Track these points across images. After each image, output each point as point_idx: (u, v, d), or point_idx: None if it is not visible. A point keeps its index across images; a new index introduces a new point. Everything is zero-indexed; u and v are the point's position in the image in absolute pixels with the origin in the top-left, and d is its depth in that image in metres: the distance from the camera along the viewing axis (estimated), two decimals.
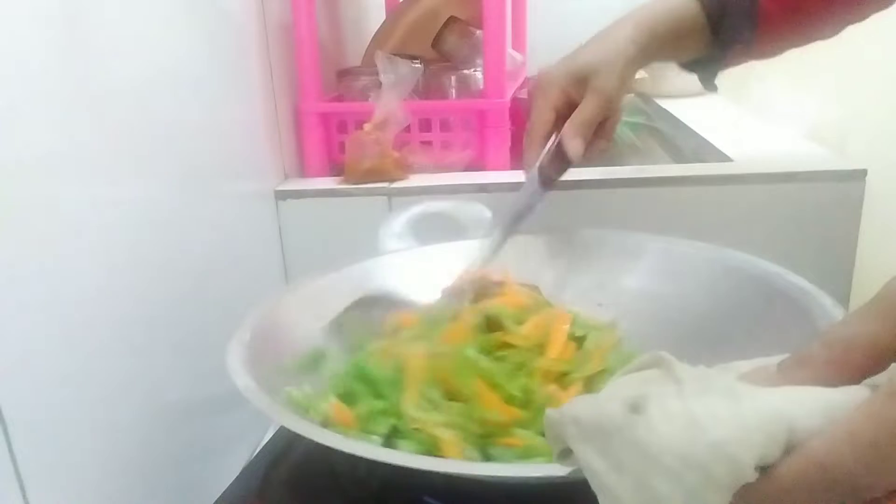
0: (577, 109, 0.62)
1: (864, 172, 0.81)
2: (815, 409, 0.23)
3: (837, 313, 0.47)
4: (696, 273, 0.55)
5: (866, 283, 0.83)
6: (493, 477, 0.40)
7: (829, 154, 0.89)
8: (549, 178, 0.64)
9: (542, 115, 0.64)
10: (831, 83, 0.95)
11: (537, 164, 0.64)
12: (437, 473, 0.40)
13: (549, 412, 0.30)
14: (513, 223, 0.64)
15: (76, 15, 0.49)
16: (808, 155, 0.90)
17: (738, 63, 0.67)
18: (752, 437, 0.23)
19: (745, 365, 0.28)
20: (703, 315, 0.54)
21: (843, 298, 0.82)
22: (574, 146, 0.62)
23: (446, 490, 0.44)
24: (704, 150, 0.99)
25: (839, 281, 0.82)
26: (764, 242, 0.57)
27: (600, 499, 0.27)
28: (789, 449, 0.23)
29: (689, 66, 0.69)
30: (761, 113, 1.14)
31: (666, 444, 0.24)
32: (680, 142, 1.10)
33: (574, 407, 0.28)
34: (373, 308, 0.59)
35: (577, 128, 0.62)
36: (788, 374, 0.25)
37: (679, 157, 1.02)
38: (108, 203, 0.52)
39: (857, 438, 0.22)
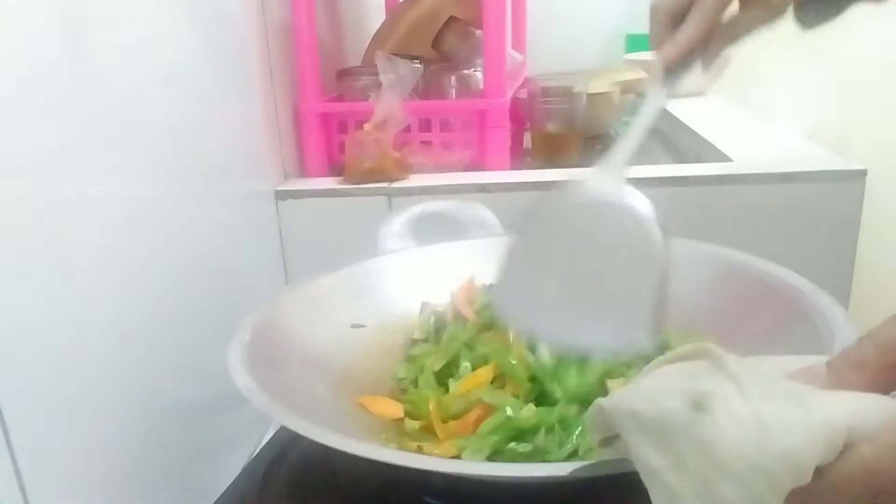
0: (738, 14, 0.49)
1: (864, 172, 0.81)
2: (876, 418, 0.24)
3: (837, 313, 0.46)
4: (697, 273, 0.55)
5: (866, 283, 0.82)
6: (493, 477, 0.40)
7: (829, 154, 0.89)
8: (675, 75, 0.49)
9: None
10: (831, 83, 0.95)
11: (666, 57, 0.48)
12: (437, 473, 0.40)
13: (603, 401, 0.29)
14: (642, 132, 0.49)
15: (76, 16, 0.50)
16: (808, 155, 0.90)
17: None
18: (819, 446, 0.23)
19: (776, 359, 0.28)
20: (702, 315, 0.54)
21: (843, 298, 0.82)
22: (718, 60, 0.49)
23: (446, 490, 0.44)
24: (704, 150, 0.99)
25: (839, 281, 0.82)
26: (764, 242, 0.57)
27: (654, 495, 0.27)
28: (843, 450, 0.24)
29: None
30: (761, 113, 1.14)
31: (735, 448, 0.24)
32: (680, 142, 1.10)
33: (630, 399, 0.28)
34: None
35: (730, 36, 0.48)
36: (842, 378, 0.25)
37: (679, 157, 1.02)
38: (107, 203, 0.52)
39: None
